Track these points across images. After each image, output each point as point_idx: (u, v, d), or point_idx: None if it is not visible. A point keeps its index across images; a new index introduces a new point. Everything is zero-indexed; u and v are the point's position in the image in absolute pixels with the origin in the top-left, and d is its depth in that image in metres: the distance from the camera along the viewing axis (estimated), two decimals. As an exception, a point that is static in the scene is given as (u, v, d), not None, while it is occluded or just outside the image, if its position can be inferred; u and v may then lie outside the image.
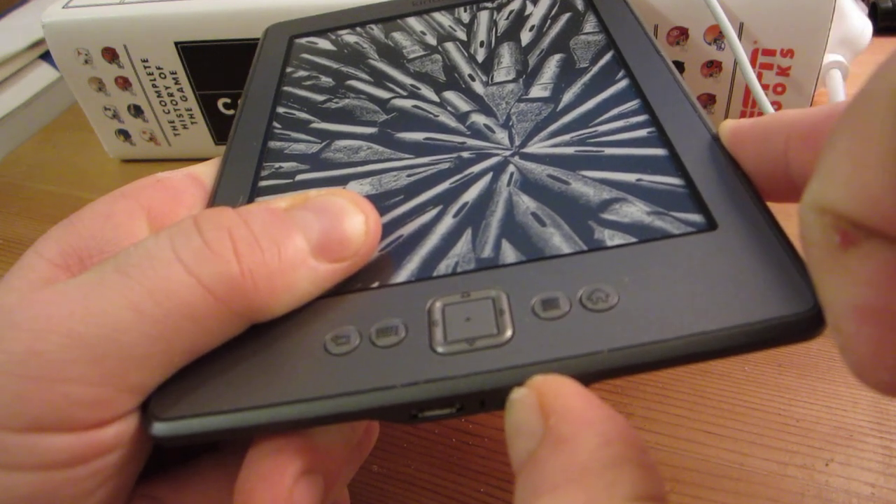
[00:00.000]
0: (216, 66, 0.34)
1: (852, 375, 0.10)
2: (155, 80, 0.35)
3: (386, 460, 0.22)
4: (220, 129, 0.36)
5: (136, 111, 0.36)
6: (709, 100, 0.32)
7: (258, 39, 0.27)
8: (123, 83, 0.35)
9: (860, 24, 0.31)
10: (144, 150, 0.38)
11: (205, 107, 0.35)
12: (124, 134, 0.38)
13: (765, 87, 0.31)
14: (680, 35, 0.30)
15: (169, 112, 0.36)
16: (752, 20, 0.29)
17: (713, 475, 0.20)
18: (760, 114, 0.27)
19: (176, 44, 0.33)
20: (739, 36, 0.29)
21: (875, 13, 0.39)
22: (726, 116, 0.32)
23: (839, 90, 0.30)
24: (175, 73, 0.34)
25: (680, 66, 0.31)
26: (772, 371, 0.23)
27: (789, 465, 0.20)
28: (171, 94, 0.35)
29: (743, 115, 0.32)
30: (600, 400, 0.12)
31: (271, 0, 0.31)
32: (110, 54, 0.34)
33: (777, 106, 0.31)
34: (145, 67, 0.34)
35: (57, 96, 0.45)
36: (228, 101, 0.35)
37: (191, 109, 0.36)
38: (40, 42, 0.45)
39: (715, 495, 0.20)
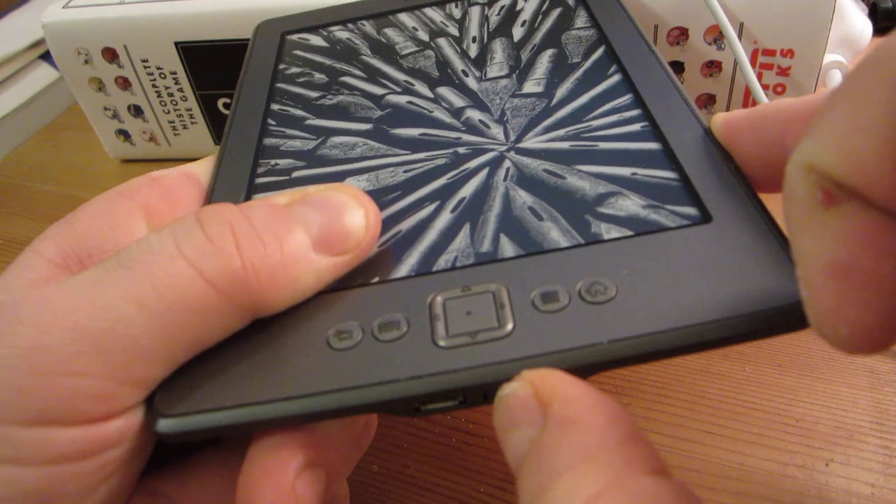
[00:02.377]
0: (216, 66, 0.34)
1: (812, 328, 0.10)
2: (155, 80, 0.35)
3: (386, 460, 0.22)
4: (220, 129, 0.36)
5: (136, 111, 0.36)
6: (709, 100, 0.32)
7: None
8: (123, 83, 0.35)
9: (860, 24, 0.31)
10: (144, 150, 0.38)
11: (205, 107, 0.35)
12: (124, 134, 0.38)
13: (765, 87, 0.31)
14: (680, 35, 0.30)
15: (169, 112, 0.36)
16: (752, 20, 0.29)
17: (713, 475, 0.20)
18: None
19: (176, 44, 0.33)
20: (739, 36, 0.29)
21: (875, 13, 0.39)
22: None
23: (839, 90, 0.30)
24: (175, 73, 0.34)
25: (680, 66, 0.31)
26: (772, 371, 0.23)
27: (789, 465, 0.20)
28: (171, 94, 0.35)
29: (743, 115, 0.32)
30: (592, 386, 0.12)
31: (271, 0, 0.32)
32: (110, 54, 0.34)
33: (777, 106, 0.31)
34: (145, 67, 0.34)
35: (57, 96, 0.45)
36: (228, 101, 0.35)
37: (191, 109, 0.36)
38: (40, 42, 0.45)
39: (715, 495, 0.20)
